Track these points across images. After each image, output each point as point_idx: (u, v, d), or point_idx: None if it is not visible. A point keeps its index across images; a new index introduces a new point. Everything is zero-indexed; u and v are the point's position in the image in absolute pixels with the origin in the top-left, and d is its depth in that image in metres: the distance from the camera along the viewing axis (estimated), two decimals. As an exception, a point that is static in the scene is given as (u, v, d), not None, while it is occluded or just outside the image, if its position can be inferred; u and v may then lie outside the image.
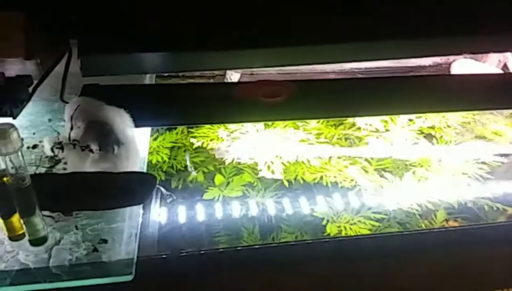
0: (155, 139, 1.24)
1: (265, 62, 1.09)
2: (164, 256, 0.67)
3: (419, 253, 0.77)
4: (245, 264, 0.69)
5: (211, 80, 1.38)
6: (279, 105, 1.01)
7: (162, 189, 1.02)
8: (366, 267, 0.74)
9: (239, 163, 1.19)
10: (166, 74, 1.32)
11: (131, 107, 0.87)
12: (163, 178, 1.12)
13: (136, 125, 0.87)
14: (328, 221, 1.06)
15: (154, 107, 0.95)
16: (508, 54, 1.47)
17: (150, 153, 1.19)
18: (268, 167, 1.17)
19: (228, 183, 1.13)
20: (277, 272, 0.71)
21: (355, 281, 0.73)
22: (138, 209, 0.72)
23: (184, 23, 1.06)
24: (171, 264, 0.66)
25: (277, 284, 0.71)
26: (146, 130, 0.98)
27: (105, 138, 0.76)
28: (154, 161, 1.17)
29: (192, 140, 1.25)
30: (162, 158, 1.18)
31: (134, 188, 0.71)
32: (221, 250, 0.71)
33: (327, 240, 0.92)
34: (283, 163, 1.19)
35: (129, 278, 0.61)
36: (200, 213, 1.05)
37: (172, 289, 0.64)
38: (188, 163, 1.17)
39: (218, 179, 1.14)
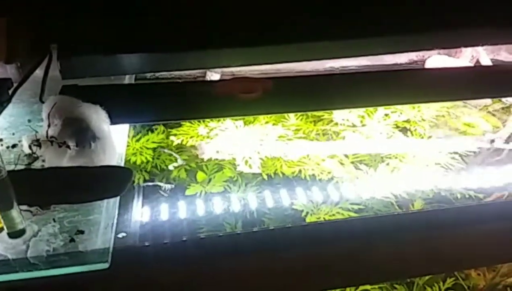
0: (138, 140, 1.26)
1: (245, 60, 1.12)
2: (139, 245, 0.68)
3: (395, 235, 0.79)
4: (225, 251, 0.71)
5: (191, 81, 1.40)
6: (256, 101, 1.04)
7: (162, 184, 1.05)
8: (340, 251, 0.77)
9: (221, 160, 1.21)
10: (148, 77, 1.35)
11: (109, 105, 0.89)
12: (147, 177, 1.15)
13: (115, 122, 0.89)
14: (307, 213, 1.08)
15: (131, 104, 0.97)
16: (479, 49, 1.52)
17: (134, 154, 1.21)
18: (246, 161, 1.20)
19: (210, 180, 1.16)
20: (258, 258, 0.73)
21: (328, 264, 0.76)
22: (115, 201, 0.74)
23: (162, 23, 1.09)
24: (147, 253, 0.68)
25: (259, 269, 0.73)
26: (124, 128, 1.00)
27: (82, 135, 0.78)
28: (138, 162, 1.19)
29: (172, 138, 1.27)
30: (146, 158, 1.21)
31: (110, 181, 0.73)
32: (201, 237, 0.73)
33: (304, 225, 0.95)
34: (262, 158, 1.22)
35: (105, 266, 0.63)
36: (182, 208, 1.08)
37: (147, 276, 0.65)
38: (171, 153, 1.21)
39: (200, 175, 1.17)
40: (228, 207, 1.09)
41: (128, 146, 1.22)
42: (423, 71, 1.47)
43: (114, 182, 0.74)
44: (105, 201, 0.72)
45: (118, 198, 0.75)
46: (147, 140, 1.26)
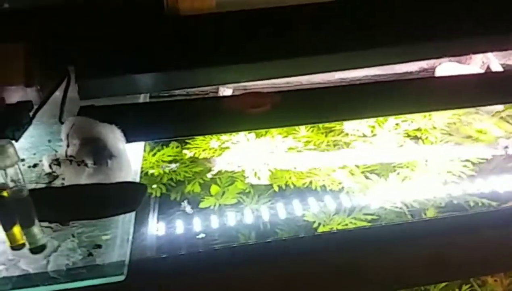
0: (154, 154, 1.30)
1: (256, 75, 1.16)
2: (155, 257, 0.71)
3: (398, 243, 0.80)
4: (239, 262, 0.73)
5: (203, 98, 1.44)
6: (266, 114, 1.06)
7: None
8: (344, 259, 0.78)
9: (234, 172, 1.24)
10: (162, 95, 1.39)
11: (124, 124, 0.93)
12: (163, 190, 1.18)
13: (130, 140, 0.93)
14: (319, 224, 1.10)
15: (145, 122, 1.01)
16: (490, 55, 1.51)
17: (151, 167, 1.25)
18: (255, 173, 1.23)
19: (223, 192, 1.18)
20: (271, 267, 0.75)
21: (335, 272, 0.77)
22: (131, 216, 0.77)
23: (175, 42, 1.13)
24: (162, 264, 0.71)
25: (273, 279, 0.75)
26: (139, 145, 1.04)
27: (99, 153, 0.82)
28: (156, 174, 1.23)
29: (185, 151, 1.31)
30: (163, 171, 1.24)
31: (126, 197, 0.77)
32: (215, 248, 0.75)
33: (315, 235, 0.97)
34: (273, 171, 1.24)
35: (121, 278, 0.66)
36: (197, 220, 1.10)
37: (163, 287, 0.68)
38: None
39: (214, 188, 1.20)
40: (242, 219, 1.12)
41: (145, 160, 1.26)
42: (434, 79, 1.47)
43: (129, 197, 0.77)
44: (121, 216, 0.76)
45: (134, 212, 0.78)
46: (163, 154, 1.30)
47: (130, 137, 0.92)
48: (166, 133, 1.02)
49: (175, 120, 1.03)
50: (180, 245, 1.02)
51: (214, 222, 1.11)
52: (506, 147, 1.29)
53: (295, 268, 0.77)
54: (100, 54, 1.12)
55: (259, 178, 1.21)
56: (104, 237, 0.72)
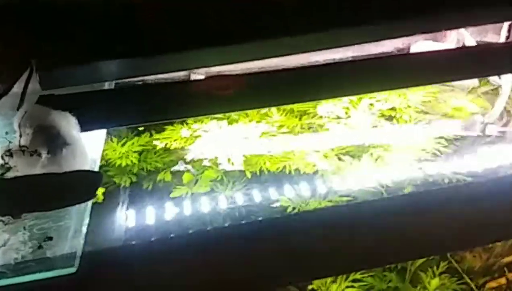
0: (123, 144, 1.26)
1: (227, 59, 1.12)
2: (108, 248, 0.68)
3: (366, 222, 0.78)
4: (192, 250, 0.70)
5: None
6: (237, 97, 1.03)
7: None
8: (318, 238, 0.76)
9: (207, 160, 1.21)
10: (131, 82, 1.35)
11: (84, 111, 0.89)
12: (134, 180, 1.15)
13: (91, 128, 0.89)
14: (294, 208, 1.08)
15: (108, 110, 0.97)
16: (464, 32, 1.49)
17: (120, 157, 1.22)
18: (229, 159, 1.20)
19: (196, 181, 1.16)
20: (229, 253, 0.72)
21: (306, 252, 0.75)
22: (86, 206, 0.74)
23: (139, 27, 1.09)
24: (115, 255, 0.68)
25: (228, 266, 0.72)
26: (101, 133, 1.00)
27: (53, 142, 0.78)
28: (123, 164, 1.20)
29: (156, 142, 1.27)
30: (131, 161, 1.21)
31: (79, 187, 0.73)
32: (171, 237, 0.72)
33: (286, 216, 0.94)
34: (247, 156, 1.21)
35: (72, 270, 0.63)
36: (169, 210, 1.08)
37: (117, 278, 0.65)
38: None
39: (187, 176, 1.17)
40: (215, 207, 1.09)
41: (114, 150, 1.23)
42: (407, 56, 1.45)
43: (83, 187, 0.73)
44: (76, 206, 0.72)
45: (89, 202, 0.74)
46: (133, 143, 1.27)
47: (91, 125, 0.88)
48: (129, 120, 0.98)
49: (140, 107, 0.98)
50: (150, 234, 0.99)
51: (187, 210, 1.08)
52: (482, 122, 1.28)
53: (268, 250, 0.74)
54: (61, 43, 1.07)
55: (232, 164, 1.19)
56: (56, 229, 0.68)
